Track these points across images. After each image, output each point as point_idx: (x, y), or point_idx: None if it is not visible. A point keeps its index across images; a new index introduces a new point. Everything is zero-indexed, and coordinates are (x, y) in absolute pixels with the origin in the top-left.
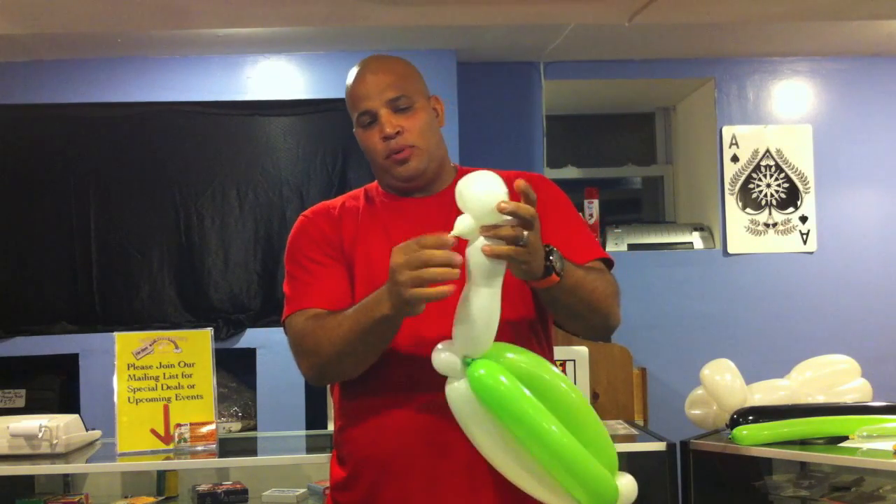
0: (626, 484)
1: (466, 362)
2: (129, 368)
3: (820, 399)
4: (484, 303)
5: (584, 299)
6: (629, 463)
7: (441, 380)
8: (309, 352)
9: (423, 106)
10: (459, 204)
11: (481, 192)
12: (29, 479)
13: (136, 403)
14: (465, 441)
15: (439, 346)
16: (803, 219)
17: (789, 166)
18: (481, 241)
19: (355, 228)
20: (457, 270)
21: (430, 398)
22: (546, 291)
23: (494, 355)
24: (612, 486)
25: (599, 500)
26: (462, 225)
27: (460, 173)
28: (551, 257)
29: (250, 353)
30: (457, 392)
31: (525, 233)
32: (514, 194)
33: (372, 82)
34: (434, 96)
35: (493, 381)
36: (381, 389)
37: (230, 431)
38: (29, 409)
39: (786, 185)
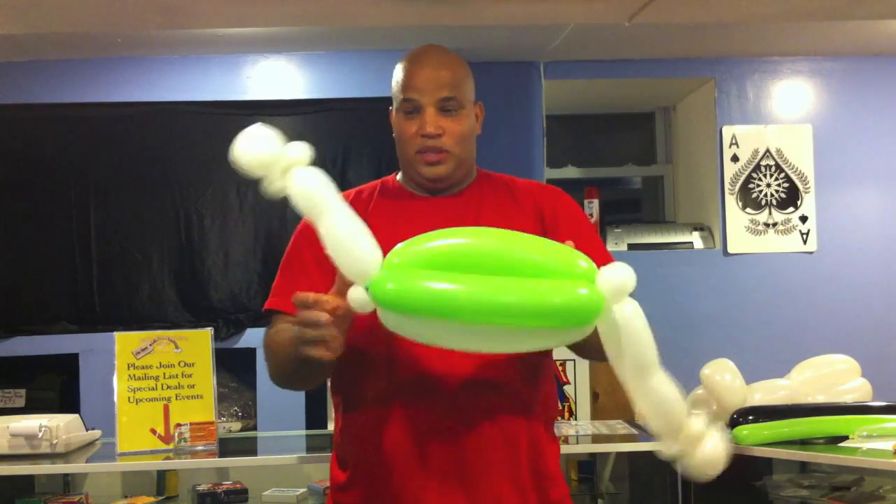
0: (612, 276)
1: (368, 288)
2: (129, 368)
3: (820, 399)
4: (334, 232)
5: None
6: (629, 462)
7: (441, 385)
8: (266, 362)
9: (469, 112)
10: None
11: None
12: (29, 479)
13: (136, 403)
14: (463, 447)
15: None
16: (803, 219)
17: (789, 166)
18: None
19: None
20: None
21: (428, 404)
22: None
23: (388, 264)
24: (580, 296)
25: (582, 314)
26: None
27: (480, 176)
28: None
29: (250, 353)
30: (384, 318)
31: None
32: None
33: (430, 77)
34: (479, 102)
35: (389, 296)
36: (380, 395)
37: (230, 431)
38: (29, 409)
39: (786, 184)
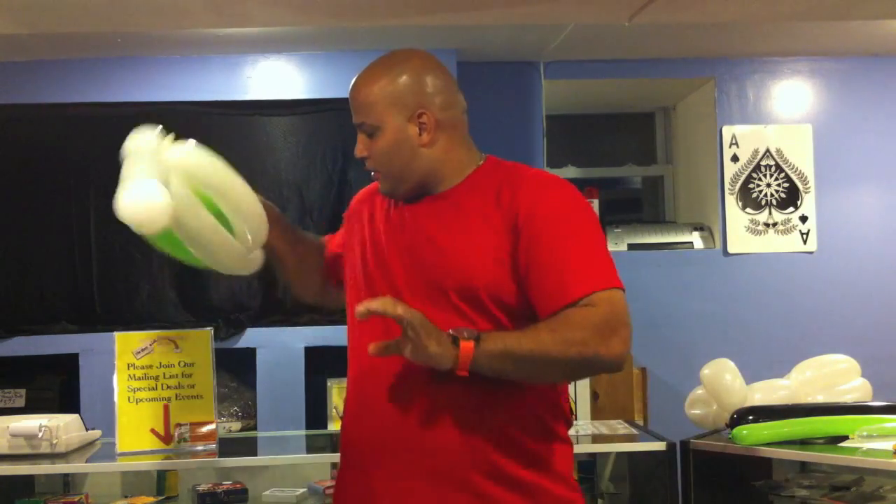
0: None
1: None
2: (129, 368)
3: (820, 399)
4: None
5: (530, 362)
6: (629, 462)
7: (388, 386)
8: None
9: (391, 127)
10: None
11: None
12: (29, 479)
13: (136, 403)
14: (409, 452)
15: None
16: (803, 219)
17: (789, 166)
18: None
19: (368, 218)
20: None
21: (375, 402)
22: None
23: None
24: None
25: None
26: None
27: (481, 170)
28: (452, 331)
29: (250, 353)
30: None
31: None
32: None
33: (351, 102)
34: (425, 112)
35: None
36: (347, 392)
37: (230, 431)
38: (29, 409)
39: (786, 184)
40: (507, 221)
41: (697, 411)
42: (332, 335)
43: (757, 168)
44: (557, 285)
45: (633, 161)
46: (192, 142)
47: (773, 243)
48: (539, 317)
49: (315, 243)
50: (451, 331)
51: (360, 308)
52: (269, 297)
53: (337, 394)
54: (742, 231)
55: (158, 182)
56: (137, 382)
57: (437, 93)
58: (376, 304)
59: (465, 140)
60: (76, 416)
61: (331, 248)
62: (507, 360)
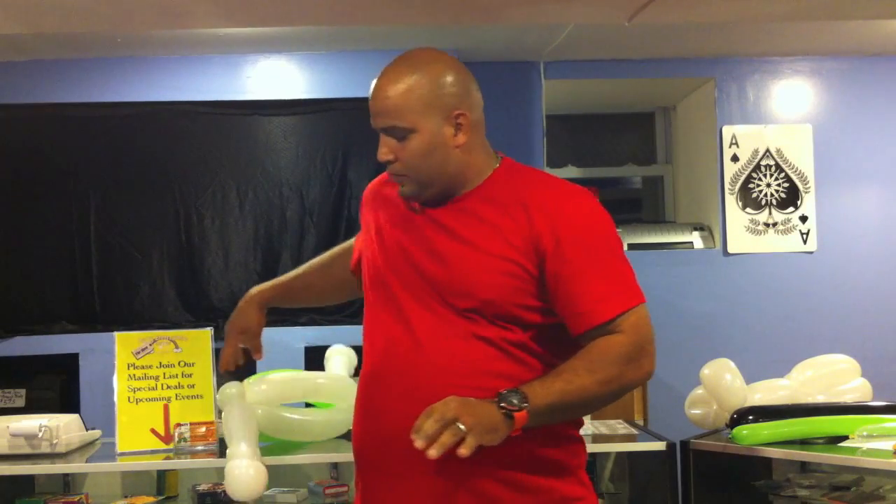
0: None
1: None
2: (128, 368)
3: (820, 399)
4: None
5: (575, 408)
6: (629, 462)
7: (389, 383)
8: None
9: (423, 129)
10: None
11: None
12: (29, 479)
13: (136, 403)
14: (410, 458)
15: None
16: (803, 218)
17: (789, 166)
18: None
19: (385, 213)
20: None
21: (379, 401)
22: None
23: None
24: None
25: None
26: None
27: (495, 176)
28: (502, 403)
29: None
30: None
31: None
32: None
33: (374, 105)
34: (461, 112)
35: None
36: (360, 383)
37: None
38: (29, 408)
39: (786, 184)
40: (527, 241)
41: (697, 411)
42: (332, 335)
43: (757, 168)
44: (586, 308)
45: (633, 161)
46: (266, 378)
47: (773, 243)
48: (570, 334)
49: (332, 264)
50: (498, 397)
51: (421, 444)
52: None
53: None
54: (742, 231)
55: (249, 460)
56: (137, 382)
57: (472, 91)
58: (426, 433)
59: (484, 141)
60: (76, 416)
61: (356, 251)
62: (555, 412)
